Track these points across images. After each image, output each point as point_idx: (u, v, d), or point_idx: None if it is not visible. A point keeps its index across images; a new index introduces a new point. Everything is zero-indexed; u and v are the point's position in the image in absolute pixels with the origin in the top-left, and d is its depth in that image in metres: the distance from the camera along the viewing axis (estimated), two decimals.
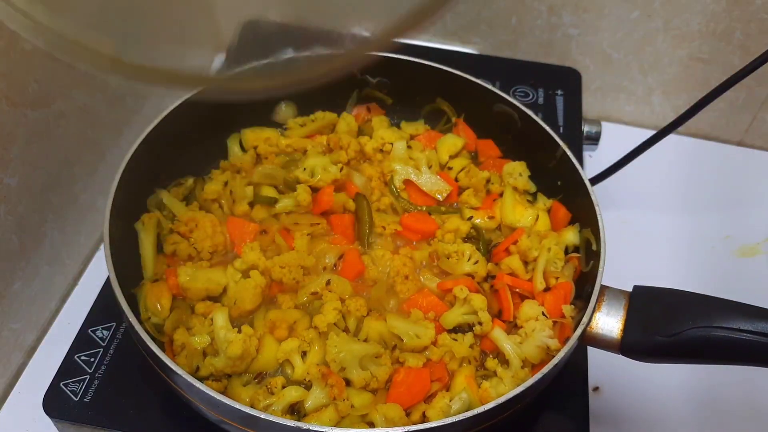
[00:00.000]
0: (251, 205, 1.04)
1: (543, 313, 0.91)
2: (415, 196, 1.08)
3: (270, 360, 0.89)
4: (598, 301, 0.86)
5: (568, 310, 0.91)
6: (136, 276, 0.95)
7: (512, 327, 0.94)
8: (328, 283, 0.92)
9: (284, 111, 1.17)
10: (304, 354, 0.89)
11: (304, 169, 1.05)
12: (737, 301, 0.82)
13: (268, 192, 1.04)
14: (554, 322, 0.91)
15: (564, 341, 0.88)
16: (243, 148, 1.12)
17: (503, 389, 0.86)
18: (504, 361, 0.90)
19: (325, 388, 0.85)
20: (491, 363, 0.91)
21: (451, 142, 1.13)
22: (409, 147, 1.12)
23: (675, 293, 0.85)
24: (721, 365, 0.84)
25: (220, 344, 0.86)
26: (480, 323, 0.91)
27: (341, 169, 1.04)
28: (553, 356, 0.83)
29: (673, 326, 0.80)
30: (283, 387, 0.86)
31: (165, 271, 0.96)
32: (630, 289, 0.87)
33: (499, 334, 0.91)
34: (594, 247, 0.94)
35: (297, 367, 0.88)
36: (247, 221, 1.01)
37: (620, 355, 0.86)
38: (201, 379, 0.81)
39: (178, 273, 0.92)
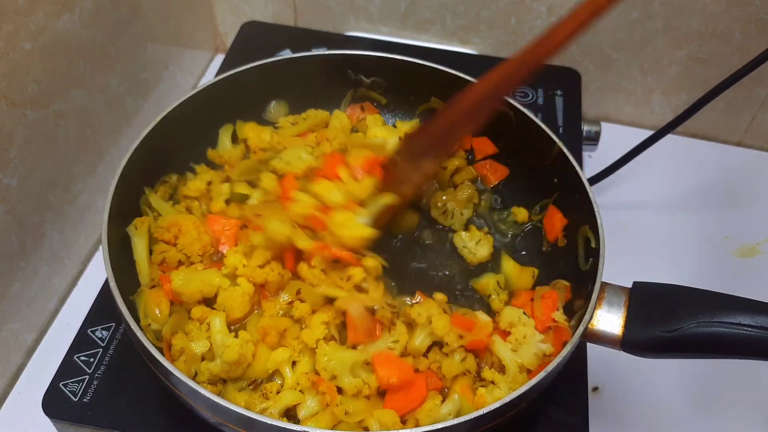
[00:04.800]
0: (228, 202, 1.03)
1: (524, 313, 0.91)
2: None
3: (263, 369, 0.88)
4: (599, 297, 0.86)
5: (558, 315, 0.91)
6: (136, 279, 0.95)
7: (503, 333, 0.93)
8: (298, 292, 0.92)
9: (275, 109, 1.16)
10: (294, 364, 0.88)
11: (281, 158, 1.04)
12: (737, 296, 0.82)
13: (242, 189, 1.03)
14: (548, 328, 0.91)
15: (562, 345, 0.87)
16: (236, 142, 1.12)
17: (499, 394, 0.85)
18: (501, 368, 0.90)
19: (317, 396, 0.84)
20: (488, 373, 0.90)
21: None
22: None
23: (675, 289, 0.85)
24: (722, 359, 0.84)
25: (217, 349, 0.85)
26: (447, 344, 0.89)
27: (316, 157, 1.04)
28: (551, 359, 0.83)
29: (674, 321, 0.81)
30: (278, 392, 0.86)
31: (159, 278, 0.95)
32: (630, 286, 0.88)
33: (499, 345, 0.90)
34: (593, 245, 0.94)
35: (287, 378, 0.87)
36: (225, 217, 1.00)
37: (620, 354, 0.86)
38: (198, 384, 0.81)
39: (171, 278, 0.91)
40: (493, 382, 0.88)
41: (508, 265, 1.03)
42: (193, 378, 0.86)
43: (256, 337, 0.89)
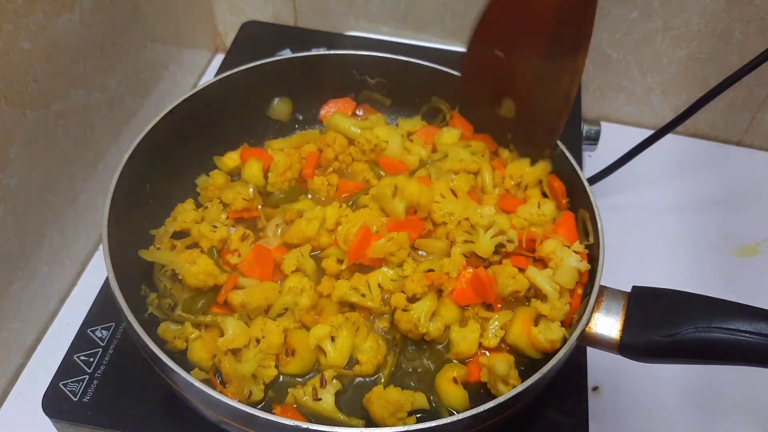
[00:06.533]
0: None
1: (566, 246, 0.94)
2: None
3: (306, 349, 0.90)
4: (597, 301, 0.86)
5: (577, 246, 0.94)
6: (136, 276, 0.95)
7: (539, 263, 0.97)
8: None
9: (278, 107, 1.16)
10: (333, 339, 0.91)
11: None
12: (736, 302, 0.81)
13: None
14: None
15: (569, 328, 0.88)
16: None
17: (551, 335, 0.87)
18: (543, 298, 0.92)
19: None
20: (534, 304, 0.93)
21: (449, 135, 1.12)
22: (410, 140, 1.12)
23: (674, 294, 0.85)
24: (720, 365, 0.84)
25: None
26: (510, 240, 0.95)
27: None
28: (559, 346, 0.84)
29: (672, 327, 0.80)
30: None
31: None
32: (629, 290, 0.87)
33: (533, 272, 0.93)
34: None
35: (328, 352, 0.89)
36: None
37: (619, 355, 0.86)
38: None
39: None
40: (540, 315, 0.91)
41: None
42: (248, 399, 0.86)
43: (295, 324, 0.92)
